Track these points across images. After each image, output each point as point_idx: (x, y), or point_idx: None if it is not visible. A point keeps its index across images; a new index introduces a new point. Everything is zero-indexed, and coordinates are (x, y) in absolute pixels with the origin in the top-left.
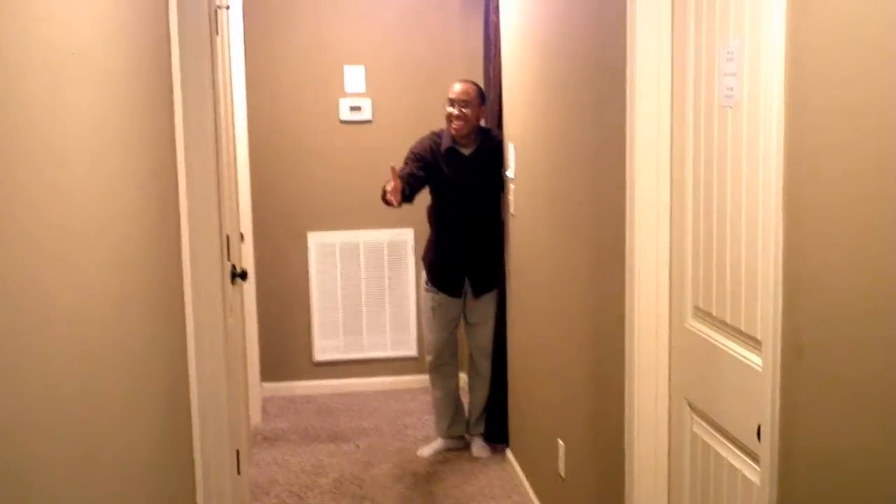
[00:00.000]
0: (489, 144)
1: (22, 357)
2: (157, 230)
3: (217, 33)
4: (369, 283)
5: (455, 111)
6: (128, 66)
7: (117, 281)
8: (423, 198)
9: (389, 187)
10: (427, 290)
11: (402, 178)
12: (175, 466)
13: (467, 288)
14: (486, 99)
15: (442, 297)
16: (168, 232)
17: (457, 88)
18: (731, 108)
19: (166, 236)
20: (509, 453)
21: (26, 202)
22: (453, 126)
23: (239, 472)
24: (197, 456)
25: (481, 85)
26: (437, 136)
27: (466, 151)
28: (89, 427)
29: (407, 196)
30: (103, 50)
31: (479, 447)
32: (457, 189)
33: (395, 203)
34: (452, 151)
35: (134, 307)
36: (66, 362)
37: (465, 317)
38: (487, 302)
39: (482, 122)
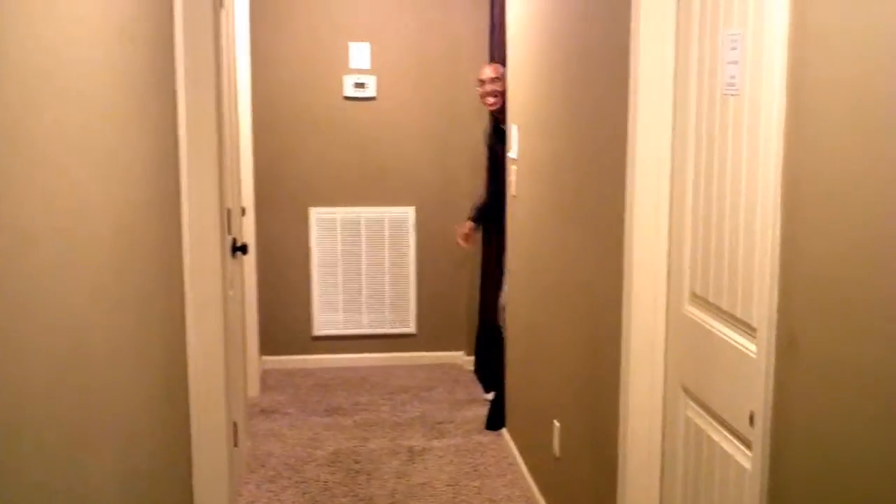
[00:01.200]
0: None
1: (20, 325)
2: (157, 203)
3: (221, 6)
4: (370, 260)
5: (489, 89)
6: (128, 39)
7: (116, 252)
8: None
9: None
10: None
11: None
12: (172, 438)
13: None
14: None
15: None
16: (168, 204)
17: (488, 68)
18: (733, 95)
19: (166, 209)
20: (505, 433)
21: (26, 174)
22: (489, 104)
23: (236, 445)
24: (194, 427)
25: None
26: (487, 128)
27: (503, 125)
28: (87, 396)
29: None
30: (103, 20)
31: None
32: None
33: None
34: (499, 132)
35: (133, 279)
36: (65, 331)
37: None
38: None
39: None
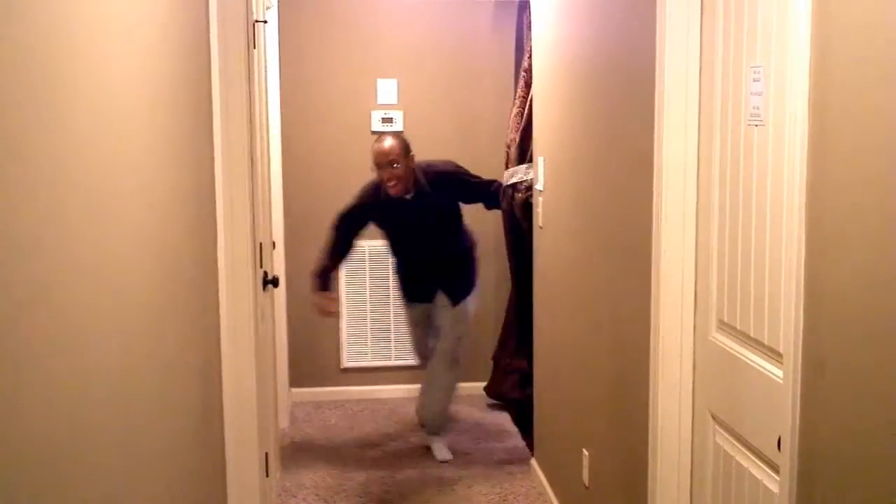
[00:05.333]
0: (430, 178)
1: (64, 367)
2: (195, 239)
3: (254, 47)
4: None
5: (386, 175)
6: (171, 78)
7: (158, 288)
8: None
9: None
10: (404, 306)
11: (330, 250)
12: (208, 469)
13: (441, 296)
14: (410, 147)
15: (416, 306)
16: (205, 240)
17: (381, 150)
18: (757, 126)
19: (204, 244)
20: (534, 462)
21: (76, 209)
22: (392, 190)
23: (267, 475)
24: (229, 458)
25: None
26: (377, 186)
27: (408, 195)
28: (129, 430)
29: (334, 266)
30: (150, 64)
31: (440, 449)
32: (408, 232)
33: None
34: (392, 201)
35: (172, 313)
36: (108, 366)
37: (434, 322)
38: (459, 311)
39: (414, 166)
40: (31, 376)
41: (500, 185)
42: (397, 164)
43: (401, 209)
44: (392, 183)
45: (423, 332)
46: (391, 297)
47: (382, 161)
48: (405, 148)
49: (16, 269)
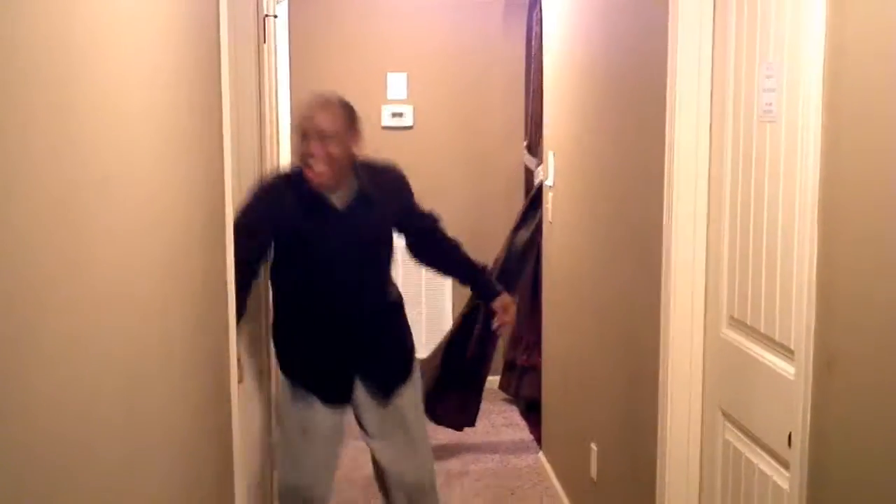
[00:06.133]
0: (376, 185)
1: (72, 366)
2: (203, 234)
3: (264, 41)
4: (406, 289)
5: (313, 149)
6: (180, 72)
7: (164, 285)
8: None
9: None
10: (286, 389)
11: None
12: (218, 461)
13: (362, 391)
14: (358, 122)
15: (314, 403)
16: (214, 236)
17: (312, 114)
18: (769, 122)
19: (212, 241)
20: (542, 456)
21: (88, 203)
22: (314, 173)
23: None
24: (236, 455)
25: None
26: (287, 178)
27: (338, 202)
28: (134, 422)
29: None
30: (160, 57)
31: None
32: (326, 255)
33: None
34: (316, 202)
35: (178, 312)
36: (114, 369)
37: (366, 432)
38: (407, 406)
39: (357, 155)
40: (41, 373)
41: (486, 271)
42: (334, 138)
43: (319, 212)
44: (317, 165)
45: (328, 452)
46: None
47: (311, 129)
48: (350, 118)
49: (25, 265)
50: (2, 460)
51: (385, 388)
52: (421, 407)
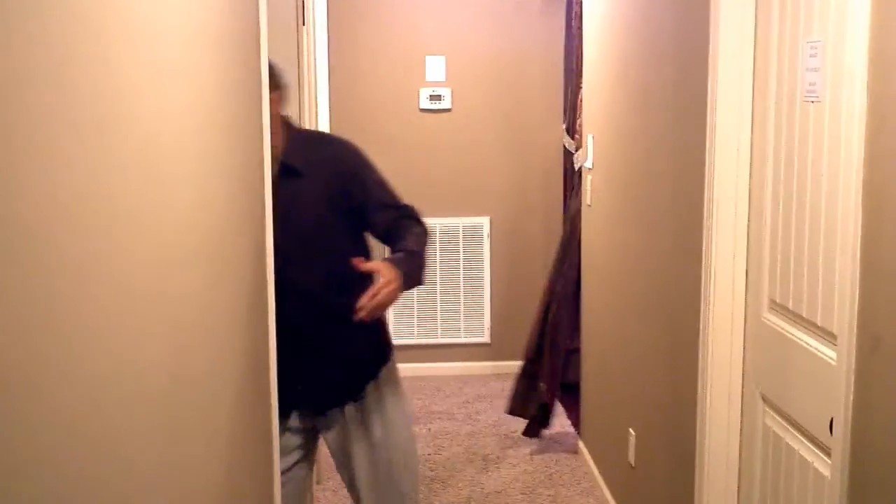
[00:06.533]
0: (307, 159)
1: (119, 366)
2: (244, 221)
3: (303, 24)
4: (444, 270)
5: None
6: (221, 56)
7: (206, 277)
8: None
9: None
10: None
11: None
12: (257, 451)
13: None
14: (277, 78)
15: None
16: (254, 221)
17: None
18: (813, 102)
19: (252, 227)
20: (580, 442)
21: (134, 202)
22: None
23: None
24: (274, 442)
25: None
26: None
27: (298, 164)
28: (177, 425)
29: None
30: (200, 40)
31: None
32: (283, 230)
33: None
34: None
35: (223, 299)
36: (160, 366)
37: (340, 454)
38: (391, 411)
39: (289, 119)
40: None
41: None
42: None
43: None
44: None
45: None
46: (437, 274)
47: None
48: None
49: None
50: (47, 433)
51: (318, 409)
52: (410, 420)
